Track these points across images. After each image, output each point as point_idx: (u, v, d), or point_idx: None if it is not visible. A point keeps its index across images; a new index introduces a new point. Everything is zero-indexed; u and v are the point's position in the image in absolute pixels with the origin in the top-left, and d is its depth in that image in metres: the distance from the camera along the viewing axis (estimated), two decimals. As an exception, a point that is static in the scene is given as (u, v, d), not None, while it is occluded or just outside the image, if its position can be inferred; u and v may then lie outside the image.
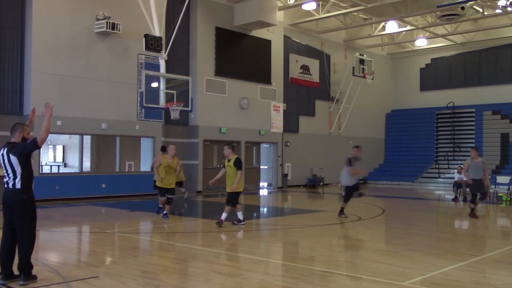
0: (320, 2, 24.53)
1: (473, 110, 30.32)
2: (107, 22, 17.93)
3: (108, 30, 17.96)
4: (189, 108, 18.65)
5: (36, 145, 5.97)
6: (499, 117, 29.28)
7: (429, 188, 26.47)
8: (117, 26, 18.16)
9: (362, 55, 29.00)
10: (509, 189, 19.19)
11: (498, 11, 24.85)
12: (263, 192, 23.86)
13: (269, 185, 25.54)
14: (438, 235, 11.45)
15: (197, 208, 17.64)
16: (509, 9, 24.21)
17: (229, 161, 11.86)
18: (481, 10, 25.08)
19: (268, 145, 25.51)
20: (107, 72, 18.65)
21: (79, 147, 18.75)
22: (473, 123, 30.29)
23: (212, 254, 8.28)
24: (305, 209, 16.44)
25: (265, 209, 17.73)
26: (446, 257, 8.17)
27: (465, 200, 18.90)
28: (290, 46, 26.56)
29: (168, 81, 17.99)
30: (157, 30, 17.67)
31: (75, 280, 6.34)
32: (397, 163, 31.06)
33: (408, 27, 28.25)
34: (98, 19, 18.19)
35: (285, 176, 25.91)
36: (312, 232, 11.11)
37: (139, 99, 18.35)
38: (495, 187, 19.41)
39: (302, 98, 27.46)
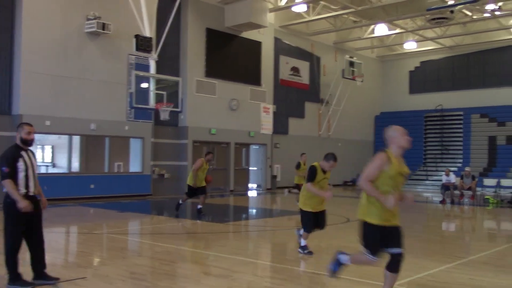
0: (311, 4, 24.62)
1: (461, 113, 30.57)
2: (97, 22, 17.86)
3: (98, 30, 17.90)
4: (179, 109, 18.64)
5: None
6: (486, 120, 29.55)
7: (418, 190, 26.64)
8: (107, 26, 18.10)
9: (352, 58, 29.13)
10: (496, 191, 19.38)
11: (486, 15, 25.11)
12: (252, 193, 23.88)
13: (258, 186, 25.56)
14: (426, 237, 11.53)
15: (186, 210, 17.61)
16: (497, 13, 24.48)
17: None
18: (470, 14, 25.32)
19: (258, 147, 25.55)
20: (97, 72, 18.57)
21: (68, 148, 18.66)
22: (461, 126, 30.55)
23: (201, 255, 8.29)
24: (293, 210, 16.43)
25: (254, 211, 17.75)
26: (434, 259, 8.24)
27: (452, 202, 19.07)
28: (280, 48, 26.64)
29: (158, 82, 17.98)
30: (148, 31, 17.64)
31: (63, 281, 6.31)
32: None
33: (398, 30, 28.43)
34: (88, 19, 18.11)
35: (274, 177, 25.94)
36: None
37: (129, 99, 18.29)
38: (481, 190, 19.60)
39: (292, 100, 27.54)
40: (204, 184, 13.88)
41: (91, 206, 16.26)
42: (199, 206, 13.84)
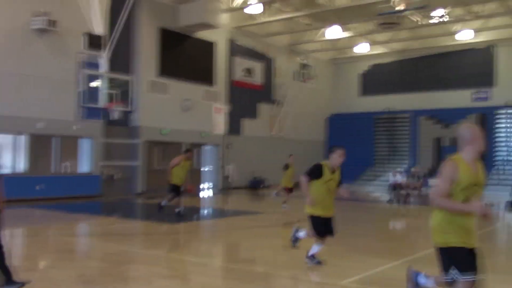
0: (264, 6, 24.75)
1: (409, 115, 31.51)
2: (45, 18, 17.33)
3: (46, 27, 17.37)
4: (131, 109, 18.35)
5: None
6: (433, 122, 30.60)
7: (367, 190, 27.25)
8: (56, 23, 17.59)
9: (305, 60, 29.50)
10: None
11: (433, 21, 25.97)
12: (205, 194, 23.78)
13: (211, 187, 25.49)
14: (374, 236, 11.81)
15: (137, 210, 17.36)
16: (443, 19, 25.39)
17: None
18: (418, 20, 26.12)
19: (210, 147, 25.47)
20: (45, 70, 18.01)
21: (12, 147, 18.00)
22: (408, 127, 31.49)
23: (152, 257, 8.19)
24: (246, 210, 16.51)
25: (206, 211, 17.68)
26: (382, 256, 8.46)
27: (399, 202, 19.62)
28: (234, 49, 26.66)
29: (109, 80, 17.65)
30: (98, 29, 17.28)
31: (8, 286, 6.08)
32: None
33: (349, 34, 28.99)
34: (36, 16, 17.55)
35: (226, 178, 25.94)
36: (253, 234, 11.20)
37: (78, 98, 17.86)
38: (427, 189, 20.23)
39: (245, 100, 27.61)
40: (181, 183, 13.25)
41: (38, 207, 15.75)
42: (178, 209, 13.15)
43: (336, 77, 34.74)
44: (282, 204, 15.95)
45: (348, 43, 31.72)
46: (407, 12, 23.53)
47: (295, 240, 7.69)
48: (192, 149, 13.58)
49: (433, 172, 27.74)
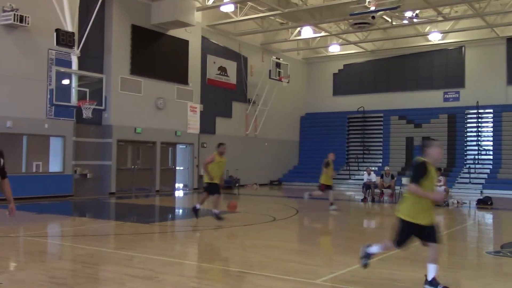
0: (238, 5, 24.73)
1: (382, 115, 31.90)
2: (14, 14, 16.96)
3: (15, 23, 17.00)
4: (103, 107, 18.10)
5: None
6: (404, 121, 31.05)
7: (341, 189, 27.48)
8: (25, 19, 17.23)
9: (279, 59, 29.58)
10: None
11: (405, 21, 26.35)
12: (179, 193, 23.63)
13: (185, 186, 25.35)
14: (348, 234, 11.92)
15: (110, 210, 17.14)
16: (415, 20, 25.78)
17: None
18: (390, 20, 26.47)
19: (184, 146, 25.32)
20: (14, 67, 17.63)
21: (-19, 146, 17.55)
22: (381, 127, 31.88)
23: (125, 257, 8.09)
24: (220, 210, 16.43)
25: (180, 211, 17.57)
26: (355, 255, 8.51)
27: (373, 200, 19.85)
28: (208, 47, 26.56)
29: (80, 78, 17.34)
30: (70, 25, 16.97)
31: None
32: (310, 165, 31.94)
33: (322, 33, 29.19)
34: (4, 11, 17.16)
35: (201, 177, 25.80)
36: (227, 233, 11.18)
37: (48, 96, 17.52)
38: (400, 188, 20.51)
39: (219, 99, 27.54)
40: (218, 182, 12.49)
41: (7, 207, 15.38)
42: (216, 212, 12.38)
43: (309, 77, 34.95)
44: (330, 206, 15.62)
45: (322, 43, 31.95)
46: (379, 13, 23.80)
47: (367, 256, 6.54)
48: (225, 143, 12.66)
49: (406, 170, 28.16)
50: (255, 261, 8.25)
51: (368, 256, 6.48)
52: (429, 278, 5.91)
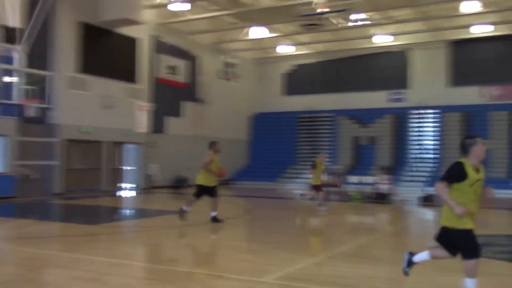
0: (189, 4, 24.56)
1: (330, 115, 32.50)
2: (-48, 7, 16.24)
3: (-47, 16, 16.27)
4: (48, 106, 17.59)
5: None
6: (352, 121, 31.77)
7: (290, 187, 27.79)
8: (-36, 13, 16.52)
9: (229, 58, 29.61)
10: (359, 188, 20.85)
11: (353, 24, 26.92)
12: (127, 193, 23.26)
13: (134, 186, 24.96)
14: (296, 232, 12.09)
15: (55, 212, 16.67)
16: (361, 23, 26.41)
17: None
18: (338, 22, 26.96)
19: (133, 146, 24.94)
20: (-48, 63, 16.88)
21: None
22: (330, 127, 32.48)
23: (71, 260, 7.91)
24: (169, 210, 16.32)
25: (128, 211, 17.31)
26: (303, 253, 8.68)
27: (322, 199, 20.17)
28: (158, 46, 26.26)
29: (25, 76, 16.80)
30: (13, 21, 16.38)
31: None
32: (260, 164, 32.19)
33: (273, 34, 29.42)
34: None
35: (149, 177, 25.51)
36: (176, 233, 11.12)
37: (-10, 94, 16.87)
38: (347, 187, 21.00)
39: (169, 98, 27.28)
40: (215, 184, 12.01)
41: None
42: (214, 214, 12.00)
43: (260, 77, 35.14)
44: (318, 206, 15.59)
45: (272, 43, 32.18)
46: (328, 15, 24.22)
47: (409, 265, 6.07)
48: (218, 141, 12.37)
49: (352, 169, 28.81)
50: (205, 260, 8.26)
51: (411, 264, 6.00)
52: None
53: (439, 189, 5.22)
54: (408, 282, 6.42)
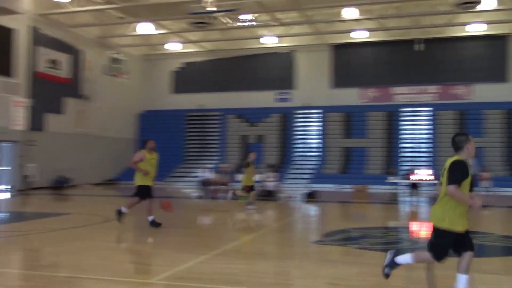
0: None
1: (220, 113, 32.73)
2: None
3: None
4: None
5: None
6: (241, 120, 32.27)
7: (179, 186, 27.56)
8: None
9: (116, 54, 28.64)
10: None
11: (241, 24, 27.33)
12: (1, 195, 21.57)
13: (8, 187, 23.21)
14: (183, 231, 11.98)
15: None
16: (248, 23, 26.92)
17: None
18: (228, 22, 27.22)
19: (8, 144, 23.19)
20: None
21: None
22: (218, 125, 32.71)
23: None
24: (48, 212, 15.41)
25: (2, 215, 16.07)
26: (191, 252, 8.62)
27: (209, 197, 20.26)
28: (37, 38, 24.65)
29: None
30: None
31: None
32: (148, 163, 31.51)
33: (162, 30, 28.96)
34: None
35: (26, 177, 23.87)
36: (57, 237, 10.51)
37: None
38: (235, 185, 21.25)
39: (50, 94, 25.72)
40: (151, 183, 11.36)
41: None
42: (151, 218, 11.28)
43: (148, 73, 34.44)
44: (247, 205, 15.32)
45: (161, 40, 31.69)
46: (217, 14, 24.36)
47: (392, 266, 5.67)
48: (152, 140, 11.56)
49: (240, 168, 29.25)
50: (88, 264, 7.89)
51: (394, 265, 5.62)
52: None
53: (455, 192, 5.06)
54: (291, 275, 6.61)
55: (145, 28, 28.40)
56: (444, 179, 5.19)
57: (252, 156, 16.04)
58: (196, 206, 18.56)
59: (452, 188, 5.04)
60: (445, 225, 5.13)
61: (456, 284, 5.17)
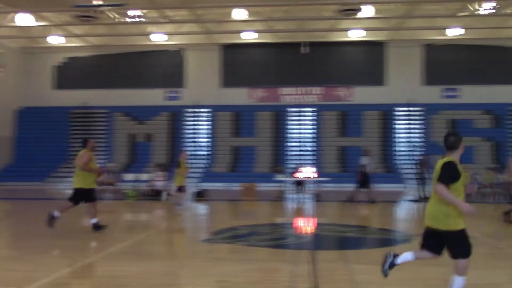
0: None
1: (106, 111, 31.63)
2: None
3: None
4: None
5: None
6: (128, 118, 31.46)
7: (61, 187, 26.18)
8: None
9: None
10: (134, 185, 20.73)
11: (129, 20, 26.61)
12: None
13: None
14: (67, 234, 11.42)
15: None
16: (136, 19, 26.32)
17: None
18: (115, 17, 26.34)
19: None
20: None
21: None
22: (105, 123, 31.58)
23: None
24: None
25: None
26: (75, 255, 8.23)
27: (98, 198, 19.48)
28: None
29: None
30: None
31: None
32: (26, 163, 29.56)
33: (43, 23, 27.30)
34: None
35: None
36: None
37: None
38: (122, 184, 20.67)
39: None
40: (94, 186, 10.77)
41: None
42: (94, 221, 10.57)
43: (27, 68, 32.35)
44: (176, 206, 14.89)
45: (42, 32, 29.85)
46: (104, 8, 23.51)
47: (390, 266, 5.57)
48: (91, 138, 11.27)
49: (128, 167, 28.48)
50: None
51: (392, 266, 5.55)
52: None
53: (443, 191, 5.04)
54: (180, 275, 6.55)
55: (24, 19, 26.54)
56: (434, 181, 5.21)
57: (183, 156, 15.86)
58: (80, 207, 17.74)
59: (440, 186, 5.05)
60: (458, 226, 5.12)
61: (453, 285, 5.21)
